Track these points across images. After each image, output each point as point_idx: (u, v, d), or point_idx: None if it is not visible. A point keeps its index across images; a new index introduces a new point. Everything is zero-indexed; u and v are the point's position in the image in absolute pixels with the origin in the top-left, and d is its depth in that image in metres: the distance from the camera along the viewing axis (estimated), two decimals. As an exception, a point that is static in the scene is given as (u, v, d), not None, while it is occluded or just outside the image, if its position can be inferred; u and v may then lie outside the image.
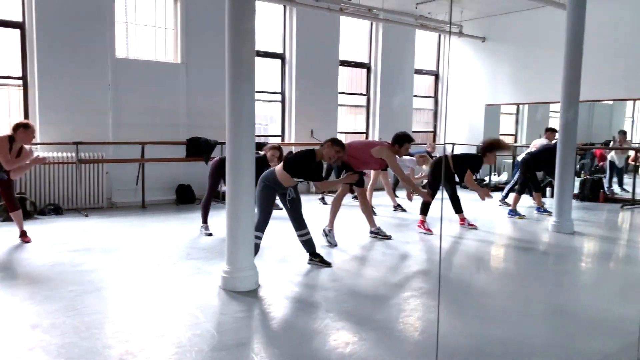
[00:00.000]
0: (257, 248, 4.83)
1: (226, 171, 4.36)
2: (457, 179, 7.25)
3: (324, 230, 6.13)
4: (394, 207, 8.66)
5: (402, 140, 6.24)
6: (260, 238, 5.01)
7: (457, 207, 7.24)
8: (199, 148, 8.80)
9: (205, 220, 6.55)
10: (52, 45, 7.86)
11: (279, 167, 5.02)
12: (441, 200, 7.49)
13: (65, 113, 8.01)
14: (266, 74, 10.42)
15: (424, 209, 6.93)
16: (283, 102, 10.72)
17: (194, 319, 3.67)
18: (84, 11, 8.06)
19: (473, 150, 11.10)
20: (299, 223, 5.17)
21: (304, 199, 5.37)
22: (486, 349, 3.33)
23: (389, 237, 6.42)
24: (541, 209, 8.56)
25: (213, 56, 8.89)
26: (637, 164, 10.52)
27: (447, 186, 7.20)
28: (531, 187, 8.73)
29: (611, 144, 11.07)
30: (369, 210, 6.53)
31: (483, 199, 6.96)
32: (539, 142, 9.69)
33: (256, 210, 4.86)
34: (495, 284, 4.92)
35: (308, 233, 5.20)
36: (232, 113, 4.24)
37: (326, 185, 5.20)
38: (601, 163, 11.33)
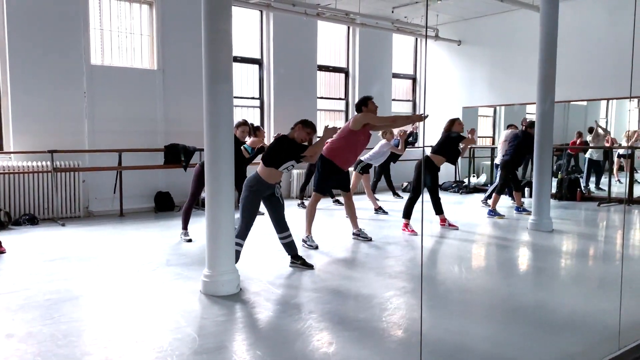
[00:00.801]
0: (237, 255, 4.73)
1: (205, 174, 4.30)
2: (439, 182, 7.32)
3: (302, 240, 6.06)
4: (375, 210, 8.68)
5: (365, 101, 6.22)
6: (241, 245, 4.88)
7: (438, 208, 7.26)
8: (177, 155, 8.70)
9: (185, 227, 6.44)
10: (25, 52, 7.72)
11: (260, 167, 4.95)
12: (421, 202, 7.52)
13: (40, 121, 7.86)
14: (244, 79, 10.39)
15: (407, 213, 6.94)
16: (261, 107, 10.69)
17: (175, 324, 3.61)
18: (57, 17, 7.93)
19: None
20: (280, 225, 5.12)
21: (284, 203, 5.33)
22: (469, 345, 3.34)
23: (369, 239, 6.43)
24: (520, 208, 8.65)
25: (190, 62, 8.83)
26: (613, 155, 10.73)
27: (429, 185, 7.22)
28: (512, 187, 8.82)
29: (587, 138, 11.26)
30: (353, 212, 6.54)
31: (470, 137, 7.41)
32: (504, 136, 9.79)
33: (237, 216, 4.80)
34: (476, 281, 4.94)
35: (290, 235, 5.15)
36: (210, 115, 4.19)
37: (315, 151, 5.07)
38: (578, 141, 11.51)
